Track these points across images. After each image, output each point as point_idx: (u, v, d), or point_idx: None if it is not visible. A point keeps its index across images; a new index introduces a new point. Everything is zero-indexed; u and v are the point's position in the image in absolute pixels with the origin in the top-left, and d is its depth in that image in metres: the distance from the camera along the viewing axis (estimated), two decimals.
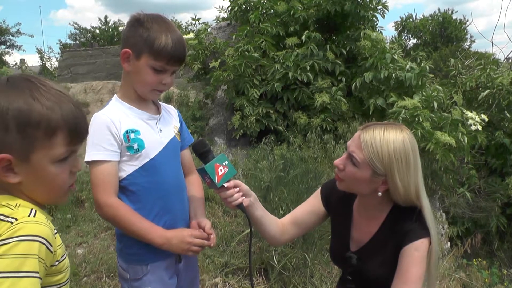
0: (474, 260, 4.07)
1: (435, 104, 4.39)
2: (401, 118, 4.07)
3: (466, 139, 4.05)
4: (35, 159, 0.90)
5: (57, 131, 0.90)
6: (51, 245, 0.87)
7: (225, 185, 1.37)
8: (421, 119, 4.02)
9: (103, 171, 1.40)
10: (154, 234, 1.41)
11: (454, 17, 27.26)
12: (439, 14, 27.49)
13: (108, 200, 1.39)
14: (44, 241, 0.85)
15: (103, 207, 1.39)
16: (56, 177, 0.94)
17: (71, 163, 0.97)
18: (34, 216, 0.88)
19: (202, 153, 1.38)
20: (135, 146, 1.44)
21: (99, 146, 1.40)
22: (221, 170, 1.36)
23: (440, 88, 4.69)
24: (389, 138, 1.28)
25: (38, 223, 0.86)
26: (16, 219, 0.85)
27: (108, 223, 3.75)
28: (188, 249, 1.44)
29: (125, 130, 1.44)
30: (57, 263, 0.92)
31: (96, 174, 1.40)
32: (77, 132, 0.94)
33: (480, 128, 4.33)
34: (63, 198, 0.99)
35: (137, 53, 1.42)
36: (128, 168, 1.45)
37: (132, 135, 1.44)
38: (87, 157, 1.41)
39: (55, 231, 0.94)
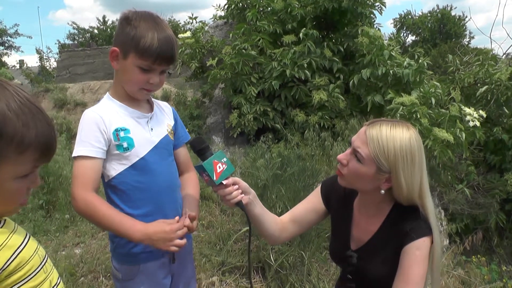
0: (473, 256, 4.05)
1: (433, 101, 4.37)
2: (398, 114, 4.05)
3: (464, 135, 4.03)
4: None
5: (28, 150, 0.86)
6: None
7: (224, 182, 1.35)
8: (419, 116, 4.00)
9: (85, 166, 1.37)
10: (132, 229, 1.35)
11: (453, 13, 27.31)
12: (438, 10, 27.52)
13: (84, 194, 1.35)
14: None
15: (78, 200, 1.34)
16: (13, 192, 0.90)
17: (31, 180, 0.93)
18: None
19: (200, 150, 1.37)
20: (125, 144, 1.42)
21: (86, 143, 1.38)
22: (219, 167, 1.34)
23: (438, 84, 4.67)
24: (396, 135, 1.27)
25: None
26: None
27: None
28: (170, 245, 1.38)
29: (114, 128, 1.42)
30: (5, 266, 0.86)
31: (77, 167, 1.38)
32: (47, 152, 0.92)
33: (478, 124, 4.32)
34: (12, 212, 0.95)
35: (124, 52, 1.40)
36: (118, 167, 1.43)
37: (121, 134, 1.42)
38: (73, 153, 1.39)
39: None
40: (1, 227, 0.90)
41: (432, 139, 3.89)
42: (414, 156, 1.27)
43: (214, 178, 1.33)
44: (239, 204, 1.38)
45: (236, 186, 1.38)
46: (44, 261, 0.95)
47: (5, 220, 0.92)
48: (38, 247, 0.95)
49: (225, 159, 1.36)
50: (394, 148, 1.26)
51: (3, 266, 0.85)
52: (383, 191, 1.32)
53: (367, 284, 1.41)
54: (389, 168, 1.27)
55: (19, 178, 0.89)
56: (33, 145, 0.87)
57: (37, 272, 0.92)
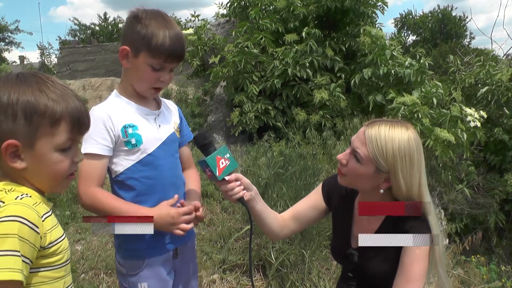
0: (473, 256, 4.07)
1: (435, 101, 4.38)
2: (400, 115, 4.05)
3: (465, 135, 4.04)
4: (39, 145, 0.97)
5: (61, 121, 0.98)
6: (37, 227, 0.90)
7: (226, 178, 1.36)
8: (420, 116, 4.01)
9: (90, 163, 1.40)
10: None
11: (453, 13, 27.29)
12: (438, 10, 27.49)
13: (88, 190, 1.38)
14: (25, 221, 0.88)
15: (82, 196, 1.39)
16: (57, 164, 1.00)
17: (73, 153, 1.04)
18: (21, 199, 0.92)
19: (204, 145, 1.38)
20: (133, 141, 1.44)
21: (91, 140, 1.40)
22: (222, 163, 1.35)
23: (440, 84, 4.67)
24: (394, 136, 1.27)
25: (21, 205, 0.90)
26: (3, 202, 0.90)
27: None
28: (175, 229, 1.42)
29: (123, 125, 1.43)
30: (50, 245, 0.94)
31: (83, 165, 1.40)
32: (79, 123, 1.03)
33: (479, 124, 4.33)
34: (63, 185, 1.06)
35: (135, 50, 1.41)
36: (125, 163, 1.45)
37: (130, 130, 1.44)
38: (81, 151, 1.41)
39: (48, 214, 0.97)
40: (50, 215, 1.00)
41: (433, 139, 3.90)
42: (413, 157, 1.28)
43: (217, 174, 1.34)
44: (241, 200, 1.40)
45: (239, 182, 1.39)
46: (68, 261, 1.02)
47: (52, 211, 1.01)
48: (68, 248, 1.03)
49: (228, 155, 1.37)
50: (392, 148, 1.27)
51: (48, 245, 0.94)
52: (382, 191, 1.33)
53: (368, 282, 1.42)
54: (387, 168, 1.28)
55: (59, 151, 1.00)
56: (64, 117, 0.98)
57: (61, 266, 0.99)
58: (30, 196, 0.96)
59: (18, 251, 0.85)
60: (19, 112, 0.93)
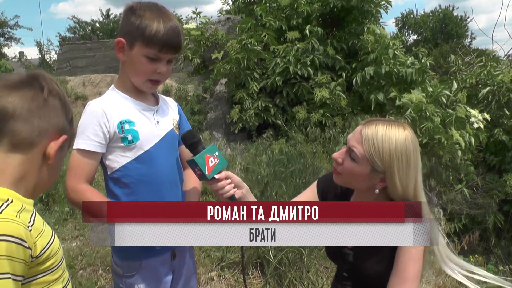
0: (471, 256, 4.07)
1: (444, 100, 4.37)
2: (410, 118, 4.03)
3: (473, 139, 4.07)
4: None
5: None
6: (25, 241, 0.84)
7: (216, 176, 1.34)
8: (428, 114, 4.00)
9: (80, 158, 1.37)
10: None
11: (455, 13, 27.26)
12: (440, 10, 27.47)
13: (76, 185, 1.35)
14: (12, 239, 0.81)
15: (70, 192, 1.36)
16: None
17: None
18: (1, 212, 0.84)
19: (192, 144, 1.35)
20: (130, 137, 1.40)
21: (84, 135, 1.37)
22: (211, 161, 1.33)
23: (455, 83, 4.65)
24: (391, 136, 1.26)
25: (4, 221, 0.83)
26: None
27: None
28: None
29: (119, 120, 1.40)
30: (42, 252, 0.89)
31: (73, 160, 1.38)
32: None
33: (482, 126, 4.34)
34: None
35: (130, 42, 1.38)
36: (122, 160, 1.41)
37: (126, 126, 1.40)
38: (73, 146, 1.39)
39: (33, 216, 0.91)
40: (35, 217, 0.93)
41: (445, 139, 3.91)
42: (409, 157, 1.27)
43: (206, 173, 1.32)
44: (232, 198, 1.37)
45: (229, 180, 1.37)
46: (62, 259, 0.99)
47: (36, 212, 0.95)
48: (59, 246, 0.98)
49: (217, 153, 1.35)
50: (389, 148, 1.25)
51: (40, 253, 0.89)
52: (377, 191, 1.32)
53: (363, 281, 1.41)
54: (383, 168, 1.27)
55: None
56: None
57: (58, 267, 0.96)
58: (12, 201, 0.88)
59: (8, 273, 0.80)
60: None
